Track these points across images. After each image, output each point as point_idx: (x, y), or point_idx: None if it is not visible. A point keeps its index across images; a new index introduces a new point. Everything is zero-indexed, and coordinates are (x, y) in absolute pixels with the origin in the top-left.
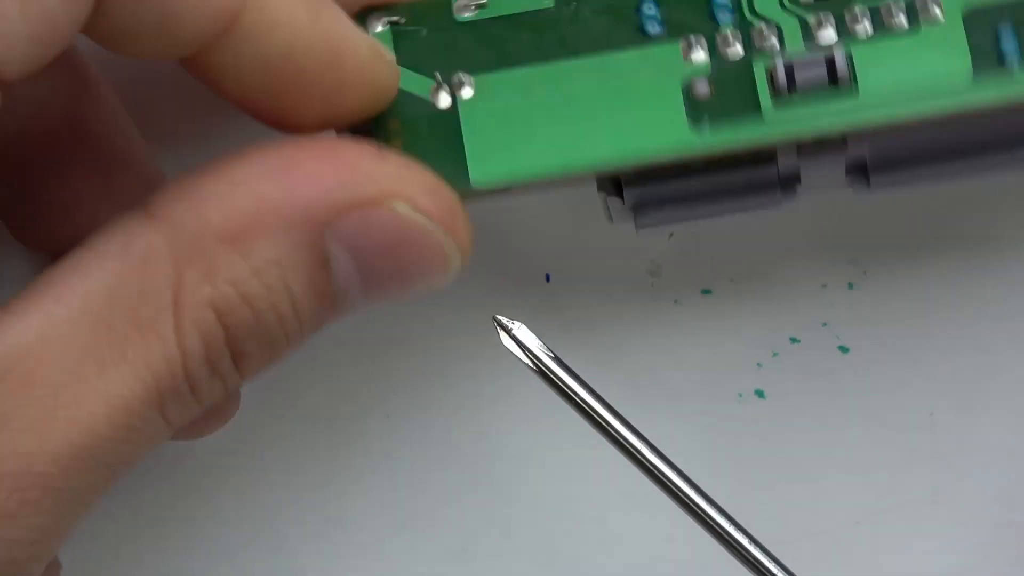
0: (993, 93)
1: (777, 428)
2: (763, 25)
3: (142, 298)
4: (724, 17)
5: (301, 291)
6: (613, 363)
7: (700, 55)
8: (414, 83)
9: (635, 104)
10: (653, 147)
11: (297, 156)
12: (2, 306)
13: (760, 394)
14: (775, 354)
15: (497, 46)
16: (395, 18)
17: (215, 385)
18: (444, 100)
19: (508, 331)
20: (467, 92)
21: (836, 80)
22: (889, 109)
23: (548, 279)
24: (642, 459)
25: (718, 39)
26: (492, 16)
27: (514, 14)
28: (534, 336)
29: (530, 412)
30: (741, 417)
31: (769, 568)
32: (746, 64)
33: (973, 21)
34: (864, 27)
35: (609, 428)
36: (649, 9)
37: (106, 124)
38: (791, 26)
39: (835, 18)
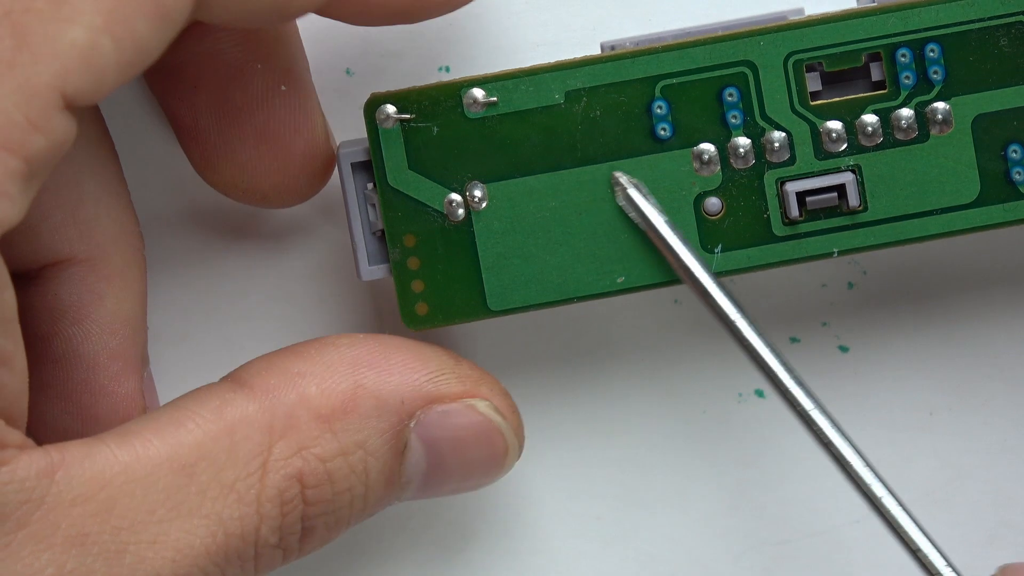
0: (1001, 215)
1: (777, 428)
2: (774, 134)
3: (231, 459)
4: (735, 120)
5: (376, 477)
6: (613, 363)
7: (712, 169)
8: (428, 192)
9: None
10: (667, 274)
11: (386, 349)
12: (94, 437)
13: (760, 394)
14: None
15: (509, 148)
16: (406, 116)
17: (276, 556)
18: (459, 212)
19: (624, 189)
20: (481, 204)
21: (847, 206)
22: (899, 233)
23: None
24: (730, 322)
25: (729, 150)
26: (503, 113)
27: (524, 110)
28: (652, 198)
29: (530, 412)
30: (741, 417)
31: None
32: (758, 181)
33: (982, 132)
34: (873, 136)
35: (706, 294)
36: (660, 109)
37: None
38: (801, 132)
39: (844, 126)
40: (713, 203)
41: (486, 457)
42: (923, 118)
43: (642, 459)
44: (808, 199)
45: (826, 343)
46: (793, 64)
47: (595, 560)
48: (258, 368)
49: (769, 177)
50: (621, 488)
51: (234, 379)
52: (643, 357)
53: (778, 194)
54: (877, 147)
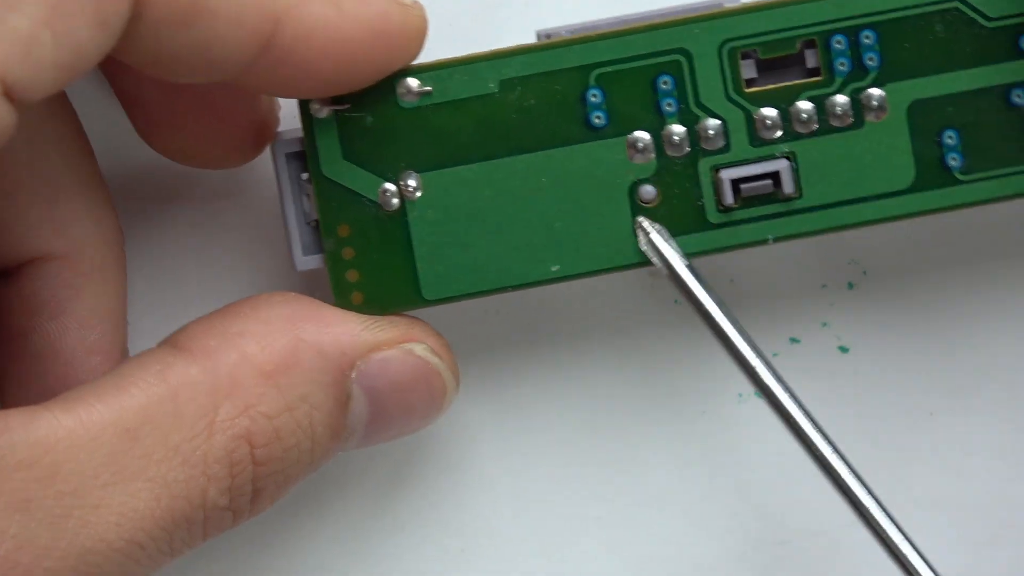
0: (936, 200)
1: (777, 428)
2: (709, 122)
3: (175, 422)
4: (669, 108)
5: (322, 430)
6: (613, 363)
7: (646, 157)
8: (362, 182)
9: (582, 213)
10: (601, 263)
11: (319, 304)
12: (38, 404)
13: (760, 394)
14: (775, 354)
15: (443, 138)
16: (340, 106)
17: (226, 518)
18: (393, 202)
19: (646, 234)
20: (416, 194)
21: (782, 193)
22: (834, 219)
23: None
24: (756, 373)
25: (664, 138)
26: (437, 102)
27: (459, 99)
28: (673, 241)
29: (530, 413)
30: (741, 417)
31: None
32: (692, 168)
33: (917, 118)
34: (808, 123)
35: (729, 340)
36: (594, 97)
37: (65, 147)
38: (736, 120)
39: (779, 113)
40: (648, 191)
41: (426, 400)
42: (858, 104)
43: (642, 459)
44: (743, 186)
45: (826, 343)
46: (728, 51)
47: (595, 560)
48: (196, 331)
49: (704, 165)
50: (621, 488)
51: (173, 343)
52: (643, 357)
53: (713, 181)
54: (812, 134)
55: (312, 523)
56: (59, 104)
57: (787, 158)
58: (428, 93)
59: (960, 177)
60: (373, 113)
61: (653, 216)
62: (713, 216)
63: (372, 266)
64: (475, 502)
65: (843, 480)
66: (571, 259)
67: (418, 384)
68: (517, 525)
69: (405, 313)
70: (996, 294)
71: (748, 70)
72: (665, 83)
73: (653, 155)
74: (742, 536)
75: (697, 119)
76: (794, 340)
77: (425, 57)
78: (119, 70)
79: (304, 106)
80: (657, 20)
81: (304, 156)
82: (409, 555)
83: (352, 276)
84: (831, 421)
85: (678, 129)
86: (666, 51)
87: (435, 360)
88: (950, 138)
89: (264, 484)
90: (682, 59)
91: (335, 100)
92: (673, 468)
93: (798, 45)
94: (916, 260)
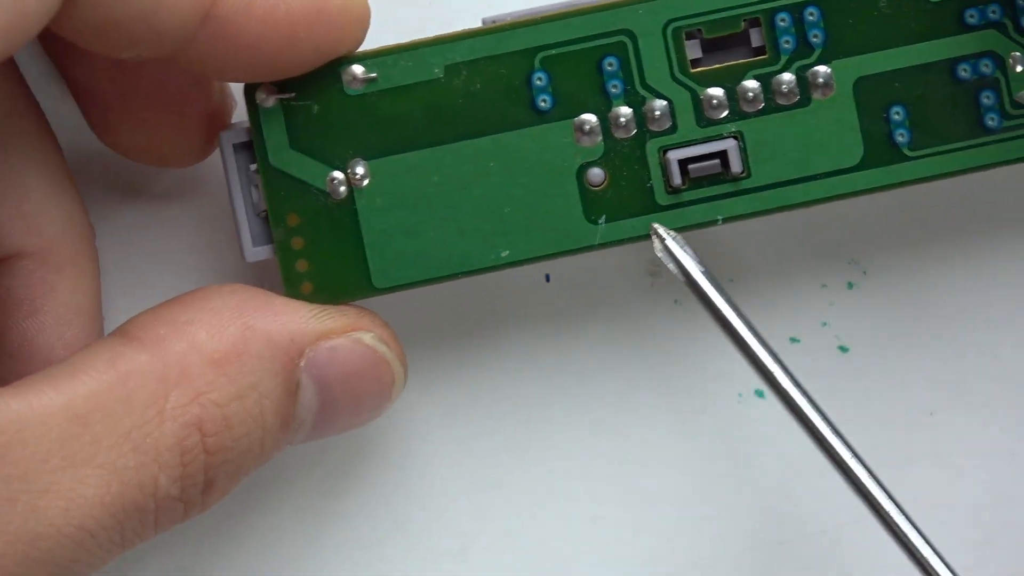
0: (885, 177)
1: (777, 428)
2: (655, 103)
3: (126, 409)
4: (615, 90)
5: (272, 419)
6: (613, 363)
7: (593, 139)
8: (310, 171)
9: (531, 197)
10: (551, 247)
11: (268, 294)
12: None
13: (760, 394)
14: None
15: (390, 125)
16: (286, 95)
17: (177, 509)
18: (341, 190)
19: (662, 240)
20: (363, 182)
21: (730, 172)
22: (783, 198)
23: (548, 279)
24: (773, 378)
25: (611, 120)
26: (382, 88)
27: (404, 86)
28: (688, 248)
29: (530, 412)
30: (741, 417)
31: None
32: (640, 150)
33: (864, 94)
34: (755, 102)
35: (746, 345)
36: (540, 80)
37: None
38: (683, 100)
39: (726, 92)
40: (596, 174)
41: (375, 390)
42: (804, 82)
43: (642, 459)
44: (691, 167)
45: (826, 343)
46: (672, 32)
47: (595, 560)
48: (145, 320)
49: (651, 146)
50: (621, 488)
51: (123, 333)
52: (643, 357)
53: (661, 163)
54: (759, 113)
55: (313, 524)
56: (24, 102)
57: (735, 137)
58: (373, 80)
59: (908, 153)
60: (319, 101)
61: (601, 197)
62: (662, 198)
63: (321, 255)
64: (475, 502)
65: (872, 495)
66: (521, 244)
67: (367, 372)
68: (517, 525)
69: (355, 303)
70: (996, 294)
71: (693, 50)
72: (610, 65)
73: (600, 138)
74: (742, 536)
75: (643, 100)
76: (794, 340)
77: (371, 46)
78: (70, 60)
79: (250, 95)
80: (602, 2)
81: (252, 146)
82: (409, 555)
83: (302, 266)
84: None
85: (624, 111)
86: (610, 32)
87: (383, 348)
88: (897, 114)
89: (215, 474)
90: (627, 40)
91: (281, 88)
92: (673, 468)
93: (743, 24)
94: (916, 260)
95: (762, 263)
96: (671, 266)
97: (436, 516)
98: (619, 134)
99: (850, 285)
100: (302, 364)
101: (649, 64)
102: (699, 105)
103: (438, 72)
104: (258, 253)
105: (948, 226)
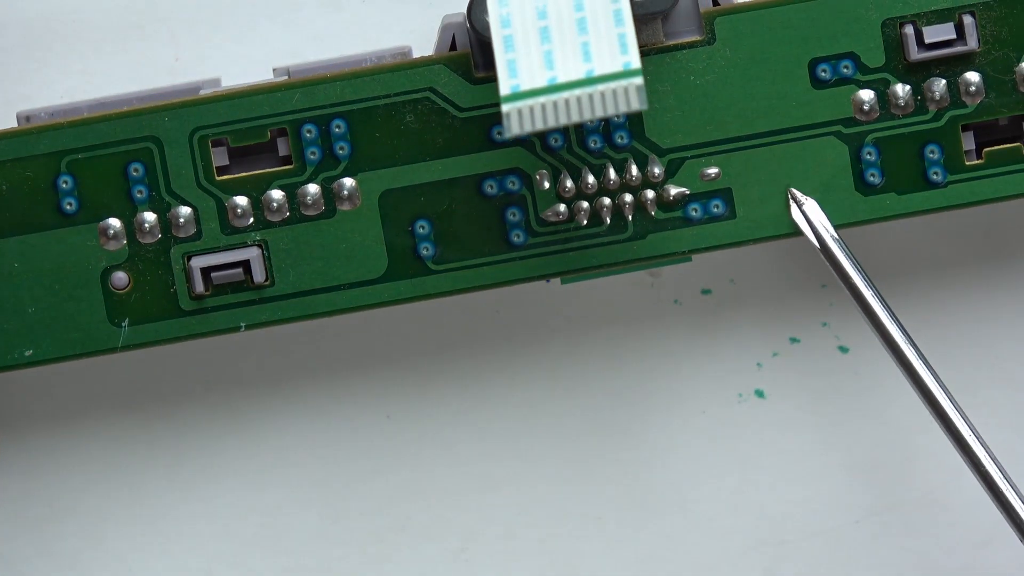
0: (409, 290)
1: (777, 428)
2: (180, 210)
3: None
4: (140, 195)
5: None
6: (613, 363)
7: (118, 243)
8: None
9: (55, 298)
10: (75, 348)
11: None
12: None
13: (760, 394)
14: (775, 354)
15: None
16: None
17: None
18: None
19: (799, 204)
20: None
21: (253, 281)
22: (306, 308)
23: (547, 280)
24: (900, 349)
25: (136, 225)
26: None
27: None
28: (823, 214)
29: (530, 414)
30: (741, 417)
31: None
32: (164, 255)
33: (389, 207)
34: (280, 211)
35: (875, 316)
36: (66, 184)
37: None
38: (208, 208)
39: (251, 201)
40: (119, 277)
41: None
42: (330, 193)
43: (642, 459)
44: (214, 274)
45: (826, 343)
46: (199, 139)
47: (596, 560)
48: None
49: (176, 252)
50: (621, 488)
51: None
52: (642, 357)
53: (185, 269)
54: (284, 222)
55: (313, 524)
56: None
57: (259, 246)
58: None
59: (432, 267)
60: None
61: (125, 301)
62: (185, 303)
63: None
64: (475, 502)
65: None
66: (45, 344)
67: None
68: (517, 525)
69: None
70: (996, 294)
71: (220, 157)
72: (136, 170)
73: (125, 242)
74: (742, 536)
75: (169, 206)
76: (794, 340)
77: None
78: None
79: None
80: (131, 107)
81: None
82: (409, 555)
83: None
84: (831, 421)
85: (149, 216)
86: (136, 139)
87: None
88: (422, 227)
89: None
90: (153, 147)
91: None
92: (673, 468)
93: (269, 133)
94: (916, 260)
95: (762, 263)
96: (806, 231)
97: (436, 516)
98: (144, 239)
99: None
100: None
101: (175, 171)
102: (224, 213)
103: None
104: None
105: (948, 227)
